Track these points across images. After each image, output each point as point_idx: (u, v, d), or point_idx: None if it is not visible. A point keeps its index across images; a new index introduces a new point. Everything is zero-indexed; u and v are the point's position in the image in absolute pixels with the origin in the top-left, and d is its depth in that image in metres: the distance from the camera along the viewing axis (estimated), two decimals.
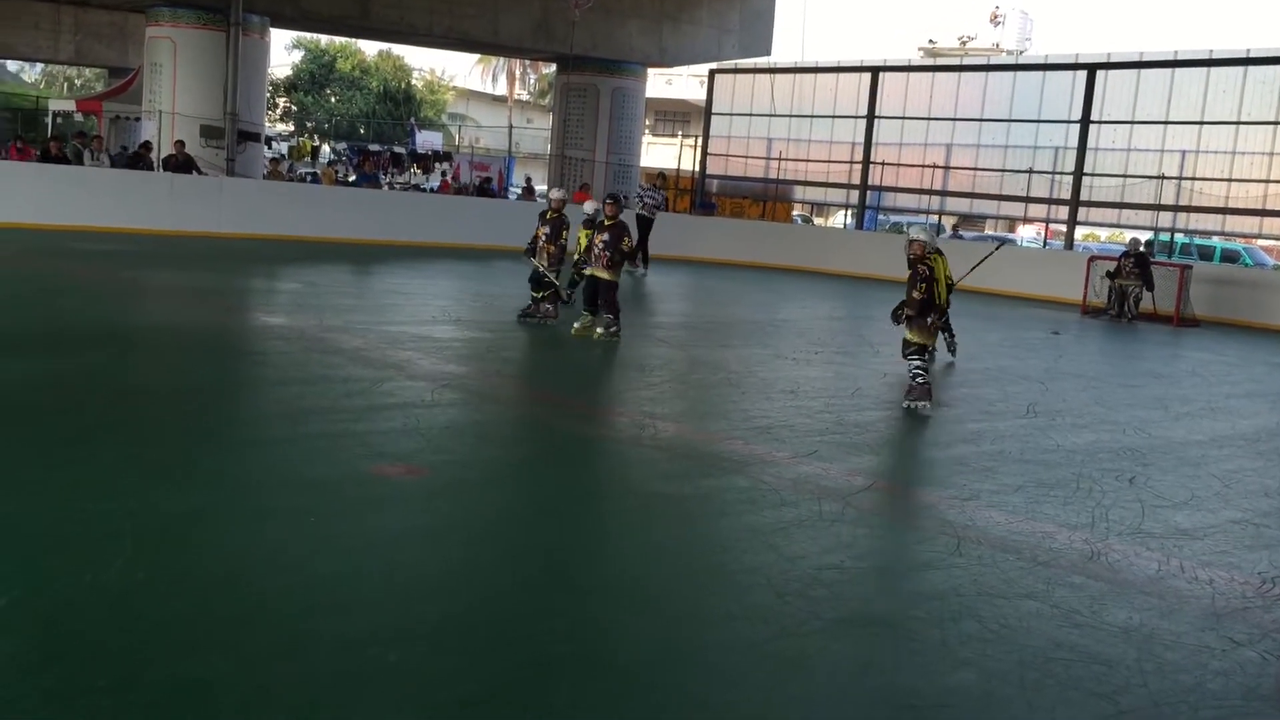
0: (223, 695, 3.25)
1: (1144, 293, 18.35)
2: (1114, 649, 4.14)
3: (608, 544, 5.11)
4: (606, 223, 11.22)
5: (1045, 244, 28.26)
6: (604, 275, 11.11)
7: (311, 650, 3.61)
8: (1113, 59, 23.10)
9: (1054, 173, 23.58)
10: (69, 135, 23.18)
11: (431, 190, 26.98)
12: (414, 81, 53.40)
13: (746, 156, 28.48)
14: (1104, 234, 38.55)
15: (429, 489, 5.61)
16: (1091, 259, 20.12)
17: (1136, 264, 18.38)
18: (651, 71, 28.58)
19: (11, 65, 52.02)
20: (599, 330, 11.08)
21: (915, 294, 8.84)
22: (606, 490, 6.06)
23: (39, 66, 54.87)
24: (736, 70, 28.85)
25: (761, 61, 28.94)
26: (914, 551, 5.11)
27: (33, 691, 3.16)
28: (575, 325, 11.31)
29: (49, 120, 32.32)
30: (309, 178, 30.16)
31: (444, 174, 28.31)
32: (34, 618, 3.63)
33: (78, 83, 54.41)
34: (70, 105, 33.35)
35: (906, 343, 8.94)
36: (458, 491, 5.68)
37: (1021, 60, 29.40)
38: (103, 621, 3.68)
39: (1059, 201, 23.67)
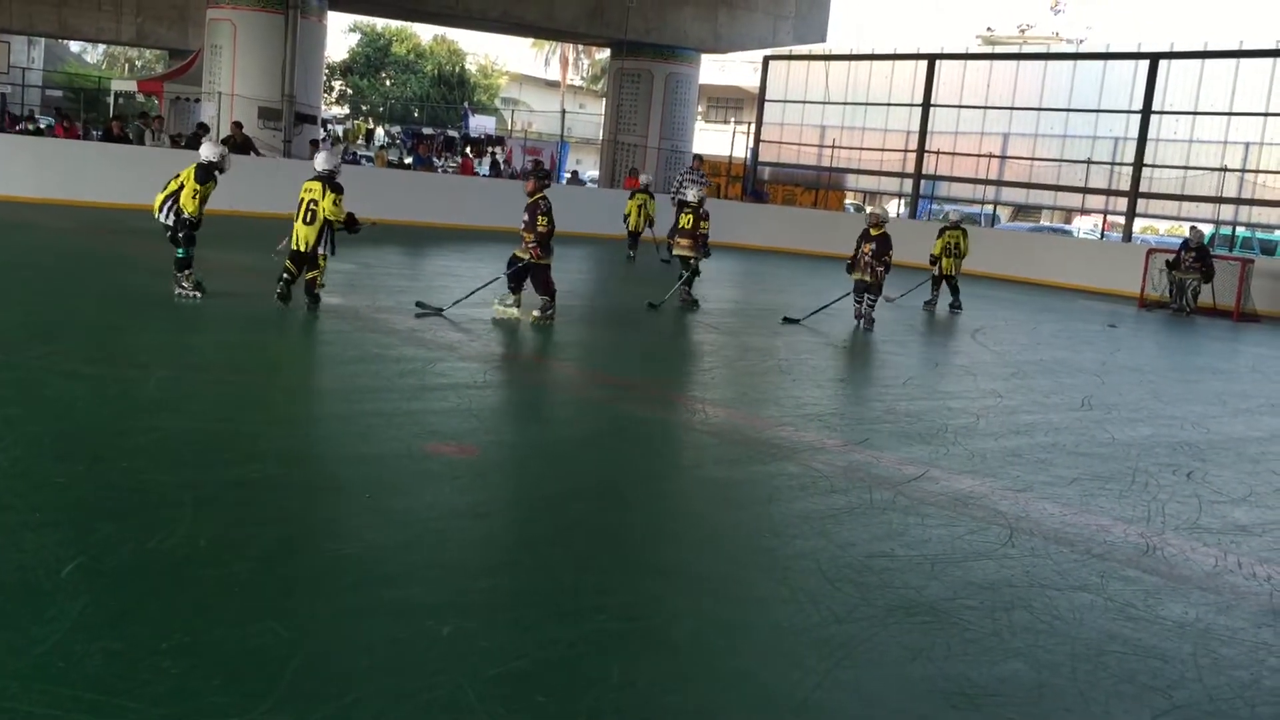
0: (283, 660, 3.31)
1: (1203, 286, 18.05)
2: (1169, 643, 4.10)
3: (659, 525, 5.13)
4: (530, 200, 10.39)
5: (1103, 236, 27.88)
6: (525, 256, 10.35)
7: (368, 619, 3.67)
8: (1175, 49, 22.70)
9: (1113, 163, 23.26)
10: (131, 116, 23.53)
11: (482, 175, 27.07)
12: (468, 66, 53.61)
13: (799, 144, 28.34)
14: (1163, 226, 37.92)
15: (481, 467, 5.67)
16: (1150, 251, 19.82)
17: (1196, 256, 18.08)
18: (705, 57, 28.47)
19: (74, 46, 52.86)
20: (534, 313, 10.37)
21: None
22: (658, 473, 6.08)
23: (101, 48, 55.72)
24: (791, 57, 28.68)
25: (817, 48, 28.75)
26: (966, 541, 5.08)
27: (98, 653, 3.23)
28: (496, 306, 10.52)
29: (111, 100, 32.83)
30: (363, 160, 30.42)
31: (463, 155, 28.20)
32: (99, 583, 3.71)
33: (138, 64, 55.18)
34: (132, 86, 33.82)
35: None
36: (510, 470, 5.73)
37: (1082, 49, 28.95)
38: (165, 587, 3.76)
39: (1118, 193, 23.34)
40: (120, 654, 3.24)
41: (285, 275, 9.87)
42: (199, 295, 9.86)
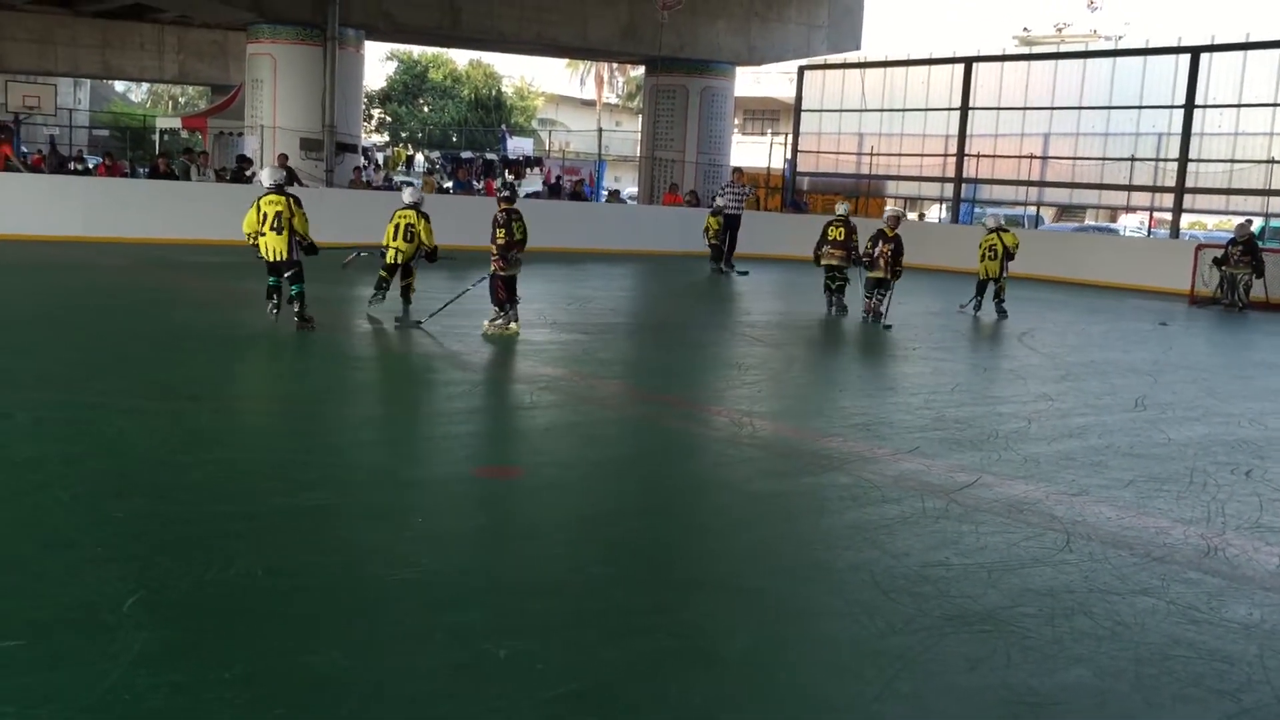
0: (344, 687, 3.34)
1: (1255, 280, 17.76)
2: (1234, 645, 4.03)
3: (710, 541, 5.12)
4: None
5: (1149, 233, 27.52)
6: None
7: (426, 644, 3.70)
8: (1216, 41, 22.41)
9: (1157, 160, 22.96)
10: (176, 152, 23.93)
11: (523, 195, 27.20)
12: (504, 89, 54.02)
13: (838, 152, 28.25)
14: (1211, 221, 37.37)
15: (530, 488, 5.69)
16: (1199, 247, 19.53)
17: (1245, 250, 17.79)
18: (740, 70, 28.50)
19: (119, 86, 53.89)
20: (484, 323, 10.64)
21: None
22: (706, 488, 6.07)
23: (145, 86, 56.79)
24: (826, 66, 28.62)
25: (851, 56, 28.67)
26: (1021, 548, 5.03)
27: (162, 685, 3.28)
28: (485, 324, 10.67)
29: (156, 138, 33.41)
30: (404, 187, 30.71)
31: (487, 177, 28.34)
32: (160, 615, 3.76)
33: (181, 100, 56.14)
34: (176, 123, 34.42)
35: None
36: (558, 490, 5.75)
37: (1120, 46, 28.66)
38: (225, 618, 3.80)
39: (1163, 189, 23.04)
40: (184, 686, 3.28)
41: (382, 278, 11.60)
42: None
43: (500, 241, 10.48)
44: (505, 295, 10.54)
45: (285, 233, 10.21)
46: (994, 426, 7.62)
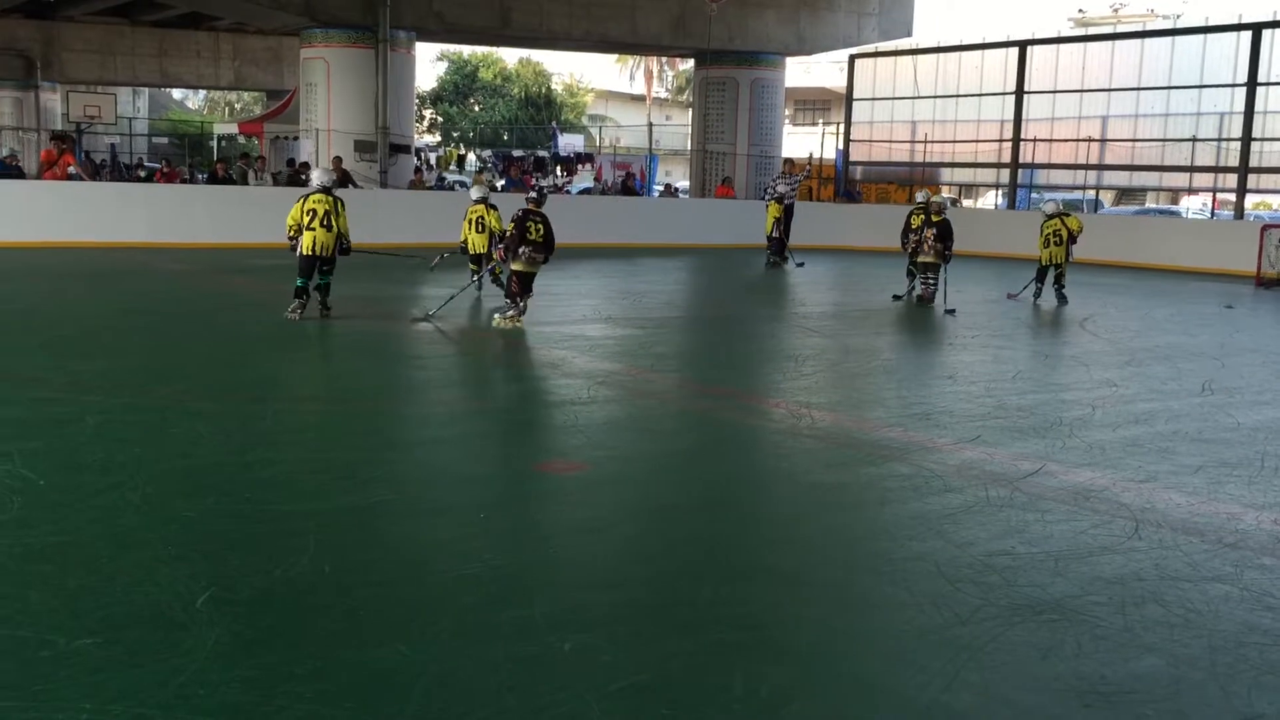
0: (410, 682, 3.37)
1: None
2: None
3: (771, 533, 5.09)
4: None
5: (1212, 214, 26.97)
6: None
7: (491, 638, 3.72)
8: (1279, 17, 21.88)
9: (1219, 140, 22.48)
10: (233, 157, 24.29)
11: (570, 193, 27.31)
12: (554, 86, 54.17)
13: (890, 141, 27.99)
14: (1277, 201, 36.55)
15: (591, 483, 5.70)
16: (1265, 227, 19.11)
17: None
18: (790, 60, 28.32)
19: (176, 94, 54.80)
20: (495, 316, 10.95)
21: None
22: (766, 480, 6.05)
23: (201, 93, 57.69)
24: (877, 54, 28.36)
25: (902, 43, 28.39)
26: (1089, 536, 4.95)
27: (234, 681, 3.33)
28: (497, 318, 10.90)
29: (214, 144, 33.93)
30: (457, 186, 30.94)
31: (522, 174, 28.49)
32: (231, 612, 3.82)
33: (237, 106, 56.96)
34: (233, 128, 34.95)
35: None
36: (620, 485, 5.76)
37: (1179, 24, 28.09)
38: (294, 614, 3.86)
39: (1226, 169, 22.56)
40: (255, 681, 3.33)
41: (473, 271, 13.12)
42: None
43: (508, 233, 10.66)
44: (518, 289, 10.65)
45: (334, 231, 10.73)
46: (1057, 414, 7.51)
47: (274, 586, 4.07)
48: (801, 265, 19.15)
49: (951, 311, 13.00)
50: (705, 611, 4.03)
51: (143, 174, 23.22)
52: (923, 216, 14.57)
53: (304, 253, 10.70)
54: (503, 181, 27.54)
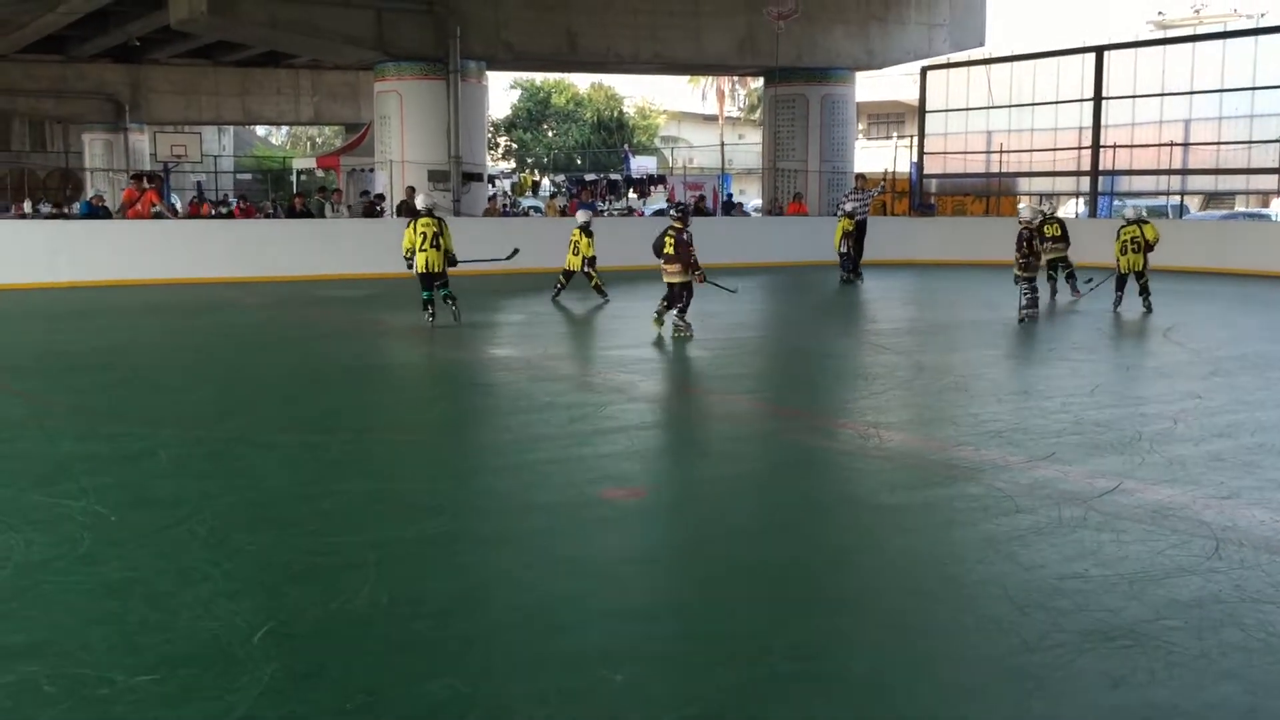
0: (460, 715, 3.35)
1: None
2: None
3: (833, 558, 5.00)
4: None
5: None
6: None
7: (543, 670, 3.69)
8: None
9: None
10: (312, 191, 24.79)
11: (642, 215, 27.38)
12: (626, 109, 54.47)
13: (965, 152, 27.57)
14: None
15: (652, 509, 5.66)
16: None
17: None
18: (861, 75, 28.09)
19: (260, 130, 56.19)
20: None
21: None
22: (831, 503, 5.94)
23: (284, 129, 59.11)
24: (949, 65, 28.00)
25: (975, 53, 27.99)
26: (1166, 557, 4.77)
27: (289, 716, 3.35)
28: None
29: (294, 179, 34.70)
30: (531, 211, 31.21)
31: (577, 197, 28.96)
32: (287, 646, 3.84)
33: (318, 141, 58.21)
34: (311, 163, 35.69)
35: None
36: (680, 511, 5.70)
37: (1262, 24, 27.29)
38: (349, 647, 3.87)
39: None
40: (305, 718, 3.34)
41: (560, 283, 15.57)
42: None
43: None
44: (666, 299, 11.89)
45: (441, 250, 12.26)
46: (1137, 428, 7.29)
47: (331, 619, 4.09)
48: (862, 280, 18.90)
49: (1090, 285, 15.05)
50: (760, 641, 3.95)
51: (223, 210, 23.76)
52: (1058, 226, 15.24)
53: (419, 271, 12.33)
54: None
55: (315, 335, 12.96)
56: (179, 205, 26.18)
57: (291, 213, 21.30)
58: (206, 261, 18.61)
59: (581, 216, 15.59)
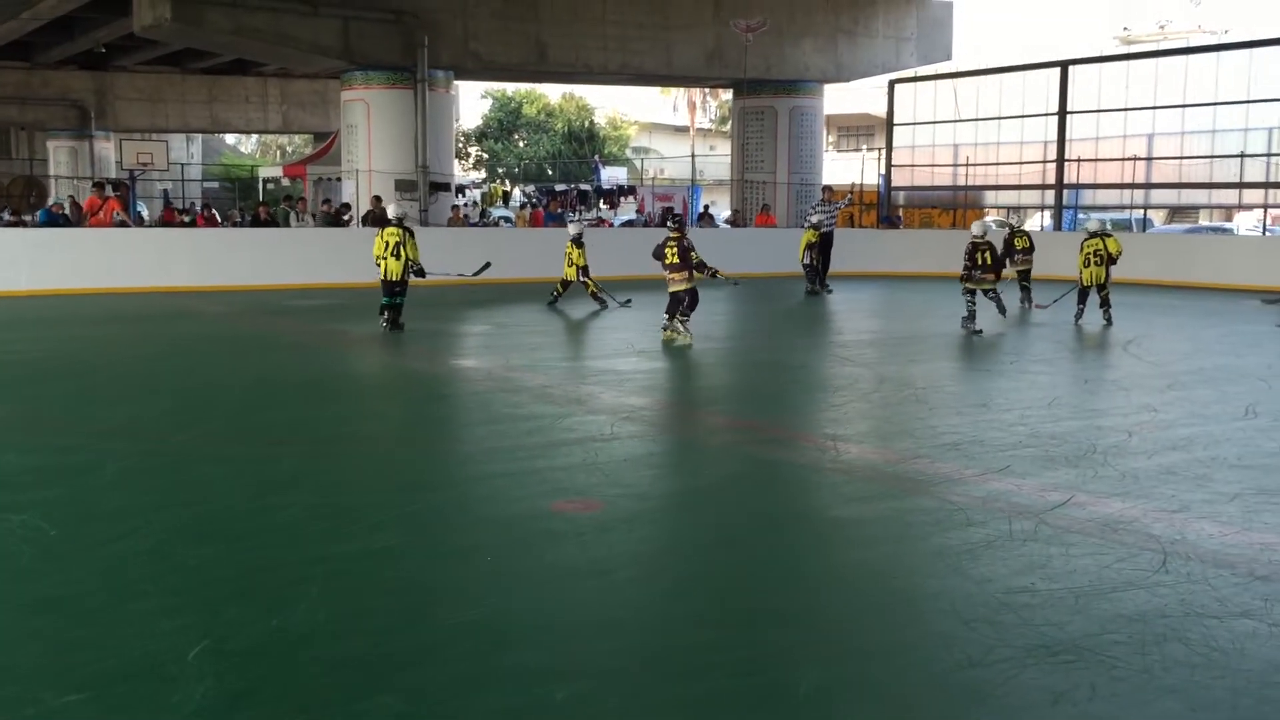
0: None
1: None
2: None
3: (784, 573, 4.97)
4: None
5: (1265, 231, 26.39)
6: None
7: (482, 688, 3.64)
8: None
9: (1269, 155, 22.03)
10: (277, 200, 24.63)
11: (613, 225, 27.39)
12: (597, 120, 54.49)
13: (933, 165, 27.76)
14: None
15: (605, 523, 5.61)
16: None
17: None
18: (830, 87, 28.22)
19: (229, 139, 55.84)
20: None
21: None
22: (784, 517, 5.91)
23: (254, 138, 58.76)
24: (917, 78, 28.19)
25: (943, 67, 28.20)
26: (1114, 570, 4.77)
27: None
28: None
29: (260, 187, 34.49)
30: (502, 221, 31.15)
31: (534, 207, 29.31)
32: (223, 665, 3.77)
33: (289, 149, 57.89)
34: (278, 171, 35.48)
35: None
36: (634, 524, 5.66)
37: (1225, 40, 27.64)
38: (285, 665, 3.80)
39: (1277, 185, 22.09)
40: None
41: (557, 291, 16.06)
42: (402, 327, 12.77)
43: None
44: (670, 308, 12.27)
45: (401, 259, 12.54)
46: (1091, 441, 7.31)
47: (269, 637, 4.03)
48: (830, 292, 18.97)
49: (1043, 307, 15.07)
50: (705, 657, 3.92)
51: (187, 219, 23.57)
52: (989, 254, 14.34)
53: (381, 278, 12.71)
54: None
55: (276, 345, 12.85)
56: (146, 214, 25.97)
57: (256, 221, 21.15)
58: (169, 270, 18.44)
59: (573, 229, 16.30)
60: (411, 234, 12.79)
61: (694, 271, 12.12)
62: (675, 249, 12.15)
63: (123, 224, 19.38)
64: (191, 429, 7.75)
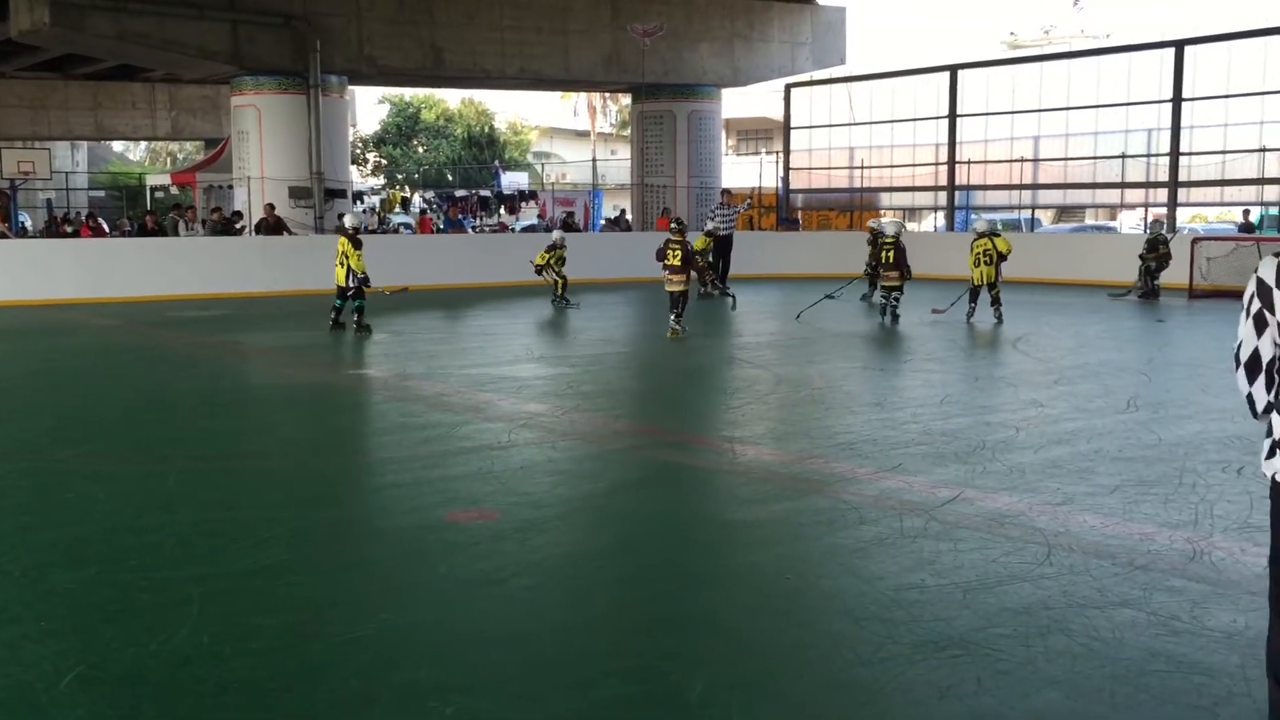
0: None
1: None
2: (1215, 656, 3.87)
3: (680, 577, 4.97)
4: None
5: (1146, 229, 27.31)
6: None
7: (368, 706, 3.56)
8: (1200, 34, 22.31)
9: (1149, 155, 22.82)
10: (165, 208, 23.99)
11: (513, 230, 27.25)
12: (497, 125, 54.18)
13: (829, 168, 28.20)
14: (1212, 214, 37.10)
15: (500, 532, 5.55)
16: (1195, 240, 19.36)
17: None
18: (728, 91, 28.47)
19: (117, 146, 54.20)
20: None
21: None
22: (681, 520, 5.92)
23: (143, 145, 57.11)
24: (812, 82, 28.60)
25: (836, 71, 28.65)
26: (1000, 564, 4.87)
27: None
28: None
29: (149, 195, 33.55)
30: (401, 228, 30.76)
31: (423, 214, 29.55)
32: (97, 691, 3.64)
33: (180, 157, 56.42)
34: (166, 179, 34.56)
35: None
36: (529, 533, 5.61)
37: (1106, 44, 28.58)
38: (164, 690, 3.68)
39: (1156, 184, 22.89)
40: None
41: (563, 296, 17.12)
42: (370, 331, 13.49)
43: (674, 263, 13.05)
44: (670, 306, 13.06)
45: (344, 267, 13.41)
46: (981, 437, 7.47)
47: (147, 661, 3.89)
48: (731, 295, 19.09)
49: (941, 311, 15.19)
50: (598, 665, 3.90)
51: (70, 229, 22.83)
52: (892, 253, 14.95)
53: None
54: (442, 221, 27.46)
55: (164, 357, 12.50)
56: (29, 224, 25.06)
57: (143, 231, 20.56)
58: (52, 282, 17.86)
59: (555, 235, 17.90)
60: (357, 244, 13.44)
61: (691, 274, 13.05)
62: (679, 252, 12.98)
63: (2, 235, 18.67)
64: (73, 446, 7.49)
